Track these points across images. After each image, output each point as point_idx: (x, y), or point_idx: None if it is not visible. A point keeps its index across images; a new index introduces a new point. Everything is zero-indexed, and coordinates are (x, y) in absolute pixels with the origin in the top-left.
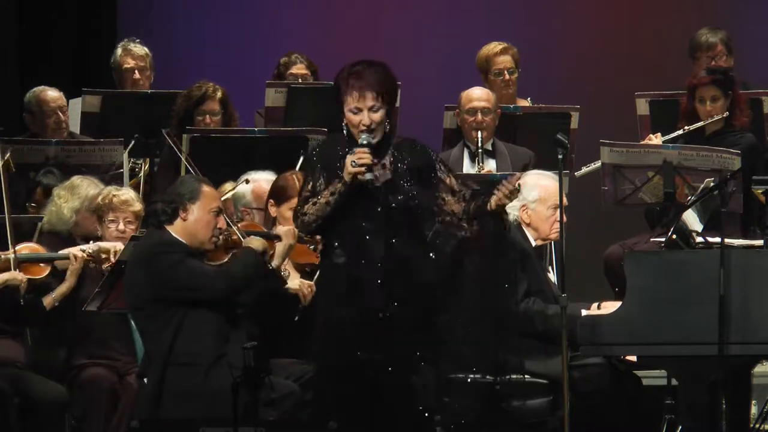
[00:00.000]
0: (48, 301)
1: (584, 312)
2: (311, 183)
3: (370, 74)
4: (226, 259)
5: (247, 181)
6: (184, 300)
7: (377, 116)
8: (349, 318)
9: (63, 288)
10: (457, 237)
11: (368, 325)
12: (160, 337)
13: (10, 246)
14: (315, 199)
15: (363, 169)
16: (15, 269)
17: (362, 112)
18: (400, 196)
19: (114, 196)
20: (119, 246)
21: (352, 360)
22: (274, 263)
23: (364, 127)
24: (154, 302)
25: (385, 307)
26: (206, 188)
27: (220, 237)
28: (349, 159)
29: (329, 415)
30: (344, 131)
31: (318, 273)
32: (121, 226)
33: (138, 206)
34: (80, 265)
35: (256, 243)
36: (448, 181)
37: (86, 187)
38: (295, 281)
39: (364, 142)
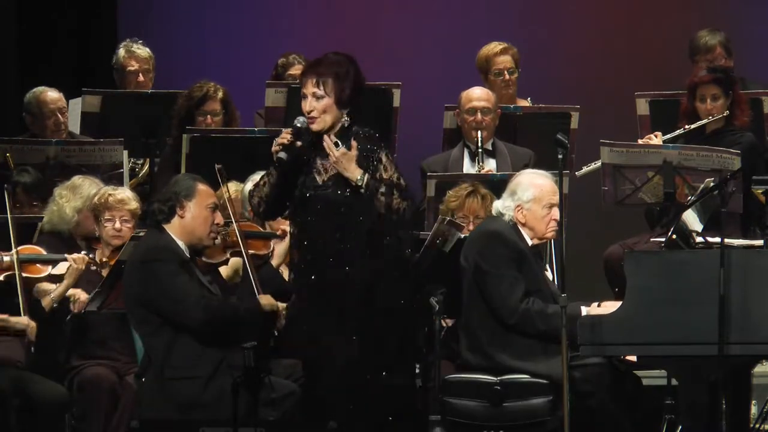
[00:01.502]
0: (47, 302)
1: (584, 310)
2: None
3: (320, 62)
4: (224, 258)
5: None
6: (164, 318)
7: (318, 104)
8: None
9: (61, 288)
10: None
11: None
12: (156, 341)
13: (13, 246)
14: (258, 182)
15: (278, 148)
16: (17, 269)
17: (307, 98)
18: (342, 189)
19: (110, 195)
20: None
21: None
22: (274, 263)
23: (307, 113)
24: (144, 308)
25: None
26: (201, 185)
27: (219, 234)
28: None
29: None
30: None
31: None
32: (118, 225)
33: (134, 205)
34: (81, 266)
35: (266, 302)
36: (385, 174)
37: (88, 186)
38: (264, 301)
39: (297, 124)
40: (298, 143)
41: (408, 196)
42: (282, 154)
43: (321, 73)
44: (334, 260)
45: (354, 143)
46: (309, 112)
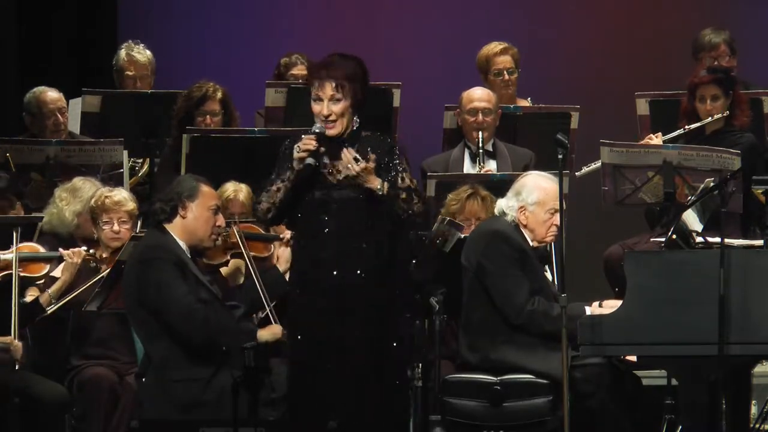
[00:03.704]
0: (45, 298)
1: (588, 310)
2: (273, 175)
3: (335, 65)
4: (225, 259)
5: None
6: (154, 316)
7: (336, 107)
8: (311, 304)
9: (58, 284)
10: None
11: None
12: (156, 342)
13: (13, 244)
14: (268, 187)
15: (305, 154)
16: (15, 268)
17: (322, 101)
18: (356, 188)
19: (107, 197)
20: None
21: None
22: (282, 269)
23: (323, 117)
24: (142, 307)
25: (341, 300)
26: (204, 187)
27: (220, 236)
28: (297, 146)
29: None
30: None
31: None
32: (116, 227)
33: (131, 205)
34: (78, 260)
35: (266, 333)
36: (400, 180)
37: (88, 189)
38: (264, 333)
39: (316, 130)
40: (322, 149)
41: (423, 198)
42: (310, 160)
43: (339, 77)
44: (350, 260)
45: (372, 156)
46: (327, 116)
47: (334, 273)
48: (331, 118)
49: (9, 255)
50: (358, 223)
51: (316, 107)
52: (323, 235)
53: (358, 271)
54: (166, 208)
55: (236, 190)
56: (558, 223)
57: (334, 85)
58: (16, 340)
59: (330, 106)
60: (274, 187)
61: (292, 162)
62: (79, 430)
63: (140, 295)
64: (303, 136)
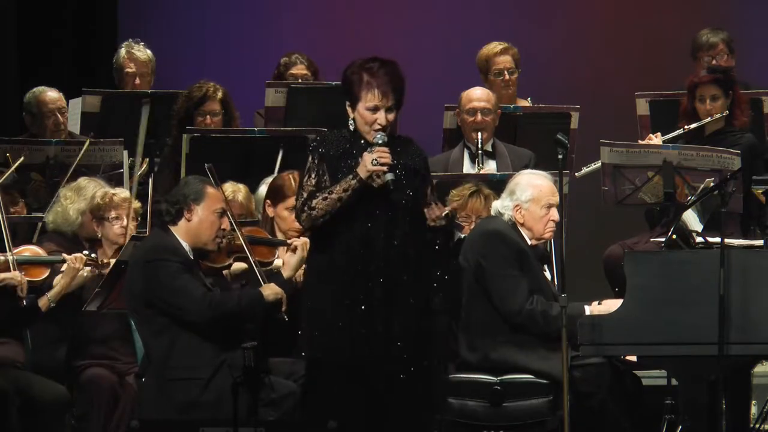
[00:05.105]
0: (43, 302)
1: (587, 309)
2: (315, 177)
3: (391, 74)
4: (228, 262)
5: None
6: (170, 316)
7: (392, 117)
8: (348, 316)
9: (58, 288)
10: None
11: (367, 324)
12: (157, 342)
13: (7, 248)
14: (325, 194)
15: (385, 168)
16: (12, 268)
17: (380, 111)
18: (400, 195)
19: (114, 194)
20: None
21: (347, 356)
22: (286, 275)
23: (379, 127)
24: (148, 307)
25: (388, 307)
26: (210, 189)
27: (224, 239)
28: (367, 157)
29: (322, 412)
30: (351, 127)
31: (307, 268)
32: (125, 222)
33: (137, 203)
34: (80, 265)
35: (269, 292)
36: (428, 190)
37: (92, 188)
38: (267, 292)
39: (380, 141)
40: (393, 161)
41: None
42: (389, 175)
43: (399, 87)
44: (398, 264)
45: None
46: (384, 126)
47: (380, 279)
48: (386, 128)
49: (5, 256)
50: (401, 228)
51: (371, 116)
52: (367, 241)
53: (404, 276)
54: (171, 209)
55: (235, 190)
56: (555, 218)
57: (395, 96)
58: (20, 275)
59: (387, 115)
60: (335, 196)
61: (340, 169)
62: (79, 430)
63: (149, 295)
64: (374, 147)
